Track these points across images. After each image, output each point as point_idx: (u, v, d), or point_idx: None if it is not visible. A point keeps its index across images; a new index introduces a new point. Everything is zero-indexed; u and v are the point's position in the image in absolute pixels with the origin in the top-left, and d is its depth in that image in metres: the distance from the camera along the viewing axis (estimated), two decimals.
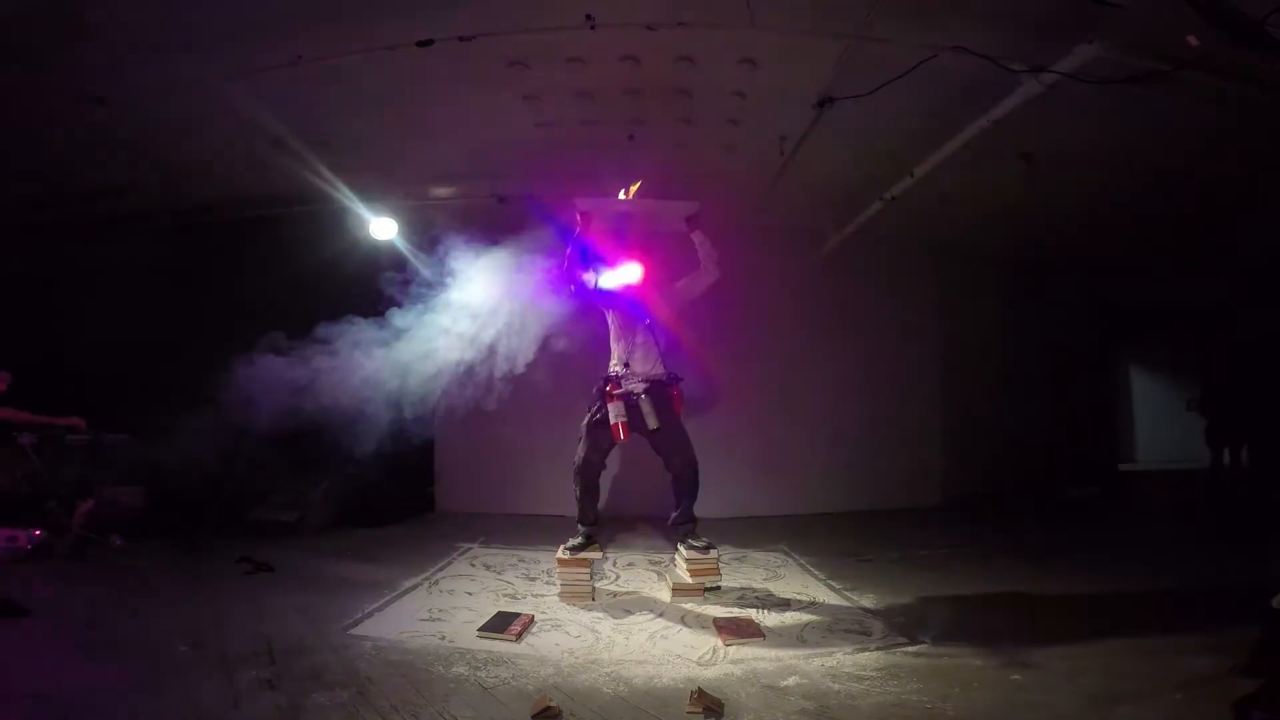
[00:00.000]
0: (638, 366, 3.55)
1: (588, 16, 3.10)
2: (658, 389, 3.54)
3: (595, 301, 3.71)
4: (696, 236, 3.61)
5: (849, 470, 6.06)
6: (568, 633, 2.88)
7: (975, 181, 4.73)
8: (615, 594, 3.47)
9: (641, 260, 3.59)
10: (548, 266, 3.78)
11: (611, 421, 3.43)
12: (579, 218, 3.57)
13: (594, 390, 3.61)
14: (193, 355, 4.74)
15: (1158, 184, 4.83)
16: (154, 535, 4.48)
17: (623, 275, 3.59)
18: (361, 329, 4.55)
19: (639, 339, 3.59)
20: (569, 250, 3.58)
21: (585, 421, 3.59)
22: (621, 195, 3.63)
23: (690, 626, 2.96)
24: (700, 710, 2.10)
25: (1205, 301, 7.73)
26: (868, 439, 6.12)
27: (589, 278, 3.61)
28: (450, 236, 5.92)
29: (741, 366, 5.91)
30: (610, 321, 3.71)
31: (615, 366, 3.60)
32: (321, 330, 4.46)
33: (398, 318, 4.58)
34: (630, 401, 3.49)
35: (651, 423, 3.45)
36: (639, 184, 3.60)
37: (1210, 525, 5.64)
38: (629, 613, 3.14)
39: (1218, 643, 2.51)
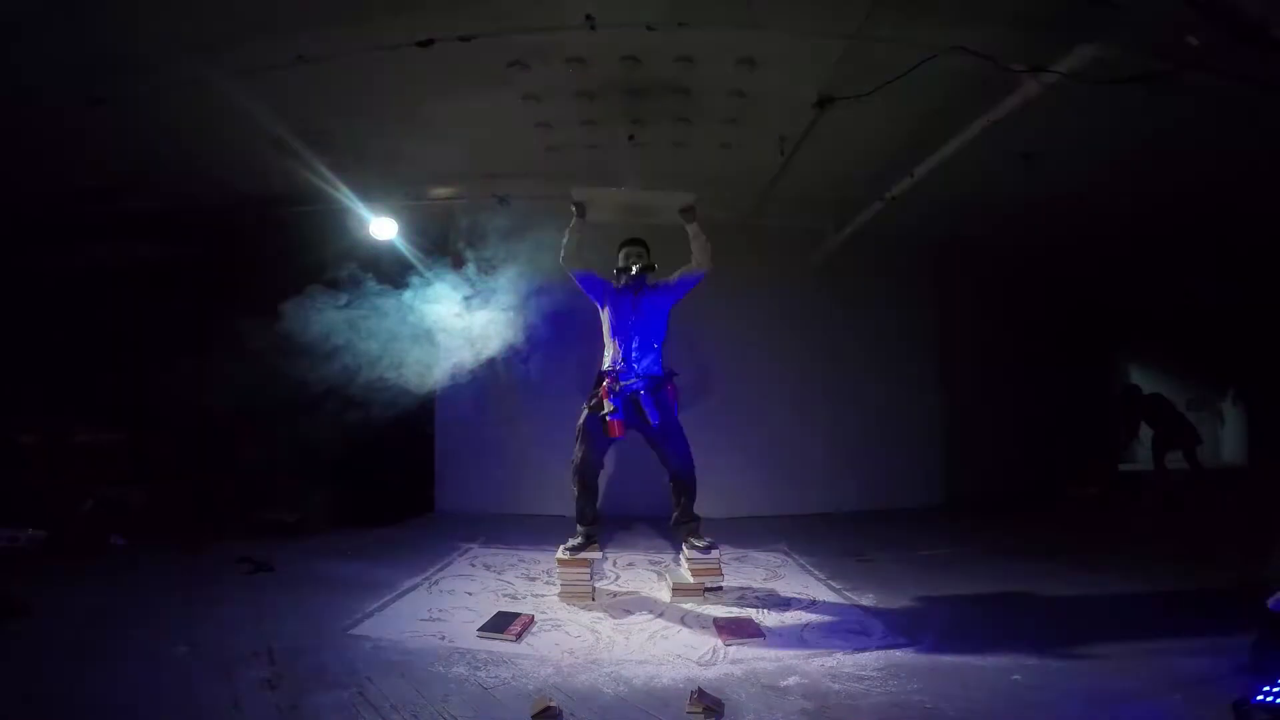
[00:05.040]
0: (636, 362, 3.53)
1: (588, 16, 3.11)
2: (656, 385, 3.53)
3: (595, 290, 3.69)
4: (692, 229, 3.62)
5: (849, 470, 6.06)
6: (568, 633, 2.88)
7: (975, 181, 4.73)
8: (615, 594, 3.47)
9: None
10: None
11: (608, 418, 3.41)
12: (574, 208, 3.60)
13: (592, 387, 3.58)
14: (193, 356, 4.75)
15: (1157, 184, 4.83)
16: (154, 535, 4.48)
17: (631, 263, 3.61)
18: (361, 326, 4.56)
19: (636, 334, 3.55)
20: (570, 237, 3.61)
21: (581, 420, 3.56)
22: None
23: (690, 626, 2.96)
24: (700, 710, 2.09)
25: (1204, 302, 7.74)
26: (868, 439, 6.12)
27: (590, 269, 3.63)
28: (452, 236, 5.95)
29: (741, 366, 5.92)
30: (604, 317, 3.67)
31: (612, 362, 3.57)
32: (321, 326, 4.46)
33: (398, 314, 4.59)
34: (628, 398, 3.48)
35: (653, 419, 3.44)
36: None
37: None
38: (629, 613, 3.14)
39: (1218, 643, 2.51)
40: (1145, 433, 6.87)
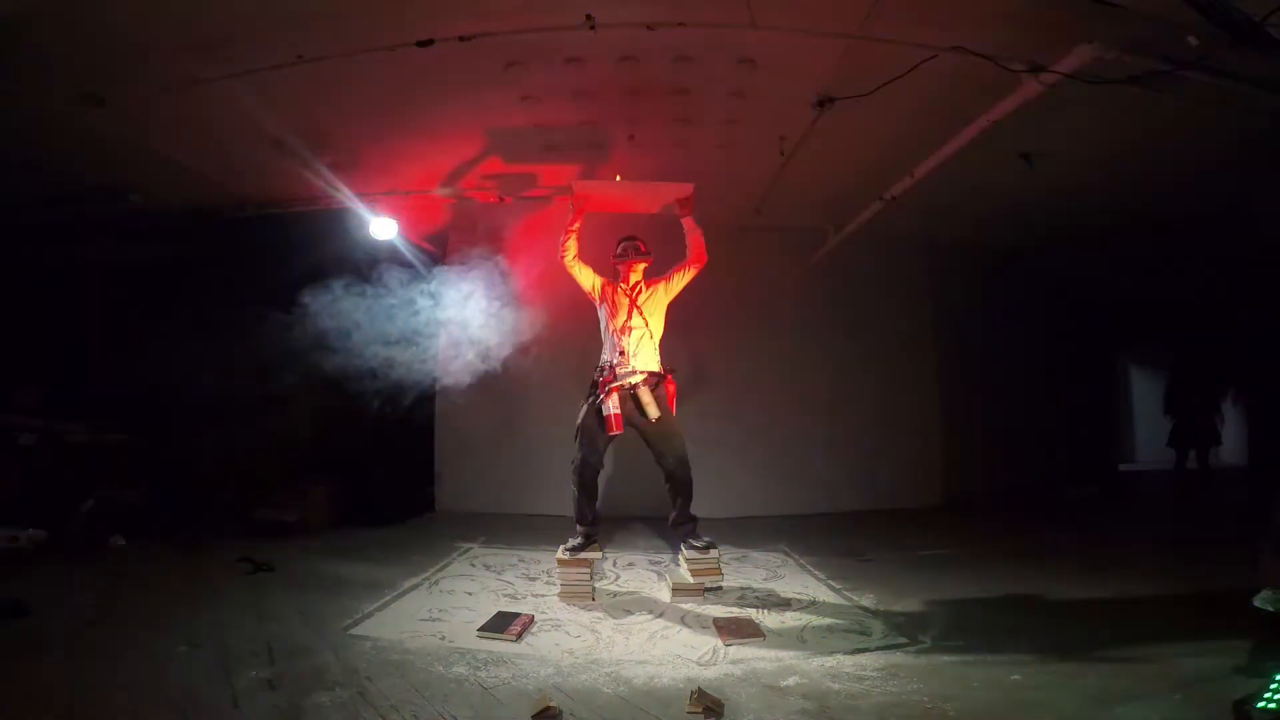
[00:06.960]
0: (634, 357, 3.52)
1: (588, 16, 3.10)
2: (654, 380, 3.53)
3: (593, 286, 3.69)
4: (687, 222, 3.63)
5: (849, 470, 6.06)
6: (568, 633, 2.88)
7: (975, 181, 4.73)
8: (615, 594, 3.47)
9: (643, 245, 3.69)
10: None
11: (607, 414, 3.41)
12: (574, 198, 3.62)
13: (589, 385, 3.58)
14: (193, 356, 4.76)
15: (1158, 184, 4.83)
16: (154, 535, 4.48)
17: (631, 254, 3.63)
18: (362, 325, 4.56)
19: (634, 329, 3.56)
20: (572, 222, 3.62)
21: (581, 419, 3.56)
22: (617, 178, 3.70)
23: (690, 626, 2.96)
24: (700, 710, 2.10)
25: (1205, 301, 7.74)
26: (868, 439, 6.13)
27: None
28: (451, 235, 5.96)
29: (741, 366, 5.92)
30: (603, 313, 3.68)
31: (610, 357, 3.56)
32: (320, 324, 4.47)
33: (399, 313, 4.60)
34: (626, 393, 3.47)
35: (652, 412, 3.43)
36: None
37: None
38: (629, 613, 3.14)
39: (1218, 643, 2.51)
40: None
